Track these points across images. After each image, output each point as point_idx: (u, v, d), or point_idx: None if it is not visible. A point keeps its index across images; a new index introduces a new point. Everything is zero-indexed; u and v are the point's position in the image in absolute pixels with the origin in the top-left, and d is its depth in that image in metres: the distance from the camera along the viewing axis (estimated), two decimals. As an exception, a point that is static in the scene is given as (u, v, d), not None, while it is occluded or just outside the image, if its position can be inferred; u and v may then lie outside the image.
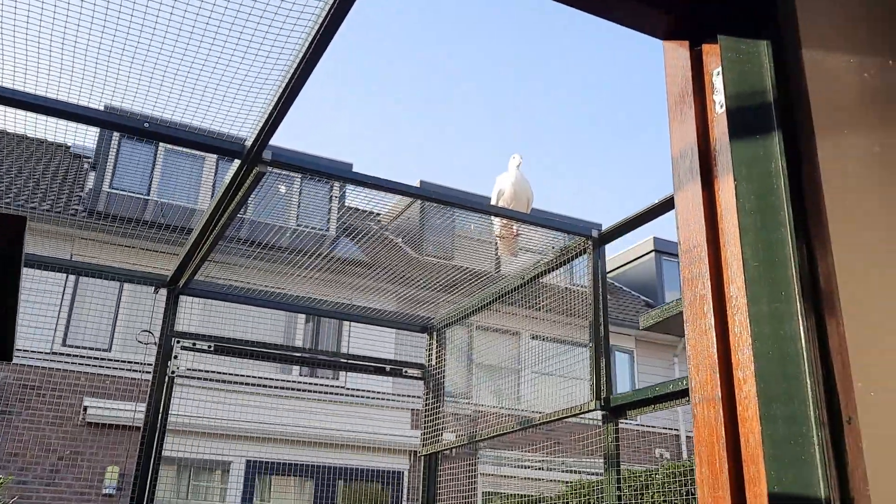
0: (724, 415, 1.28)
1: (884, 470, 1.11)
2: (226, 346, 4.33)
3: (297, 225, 11.97)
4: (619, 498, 2.96)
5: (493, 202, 4.39)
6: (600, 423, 3.23)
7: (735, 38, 1.37)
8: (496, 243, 4.28)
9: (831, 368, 1.17)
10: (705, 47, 1.48)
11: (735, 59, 1.37)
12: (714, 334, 1.32)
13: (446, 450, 4.53)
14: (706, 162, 1.43)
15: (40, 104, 2.83)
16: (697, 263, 1.39)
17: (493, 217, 3.92)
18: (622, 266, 17.18)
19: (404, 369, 4.79)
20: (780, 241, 1.23)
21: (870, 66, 1.26)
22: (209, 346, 4.22)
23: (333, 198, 11.96)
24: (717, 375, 1.30)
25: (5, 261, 1.10)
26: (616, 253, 17.42)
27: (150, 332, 4.12)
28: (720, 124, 1.41)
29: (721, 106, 1.41)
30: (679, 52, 1.53)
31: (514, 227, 4.21)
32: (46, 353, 9.67)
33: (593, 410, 3.16)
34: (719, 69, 1.41)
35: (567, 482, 9.38)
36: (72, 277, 9.62)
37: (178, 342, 4.10)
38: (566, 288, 4.07)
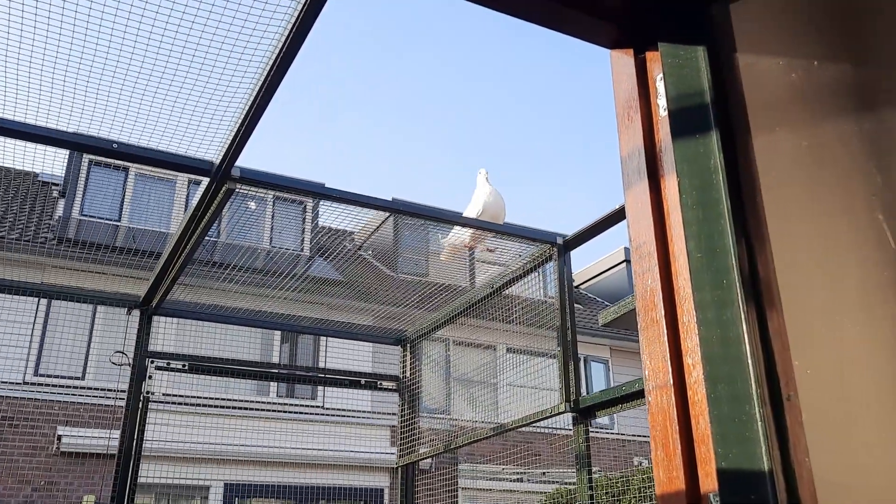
0: (675, 399, 1.35)
1: (823, 442, 1.18)
2: (200, 365, 4.33)
3: (271, 246, 11.97)
4: (592, 497, 3.02)
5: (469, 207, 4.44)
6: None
7: (674, 45, 1.46)
8: (448, 249, 4.33)
9: (771, 350, 1.24)
10: (648, 54, 1.57)
11: (675, 65, 1.45)
12: (664, 324, 1.39)
13: (423, 459, 4.56)
14: (653, 162, 1.51)
15: (8, 127, 2.85)
16: (647, 258, 1.46)
17: (461, 228, 3.98)
18: (595, 277, 17.34)
19: (379, 382, 4.82)
20: (721, 232, 1.30)
21: (797, 67, 1.34)
22: (184, 366, 4.23)
23: (306, 218, 11.97)
24: (668, 363, 1.37)
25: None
26: (588, 264, 17.60)
27: (123, 352, 4.12)
28: (664, 126, 1.49)
29: (664, 109, 1.49)
30: (624, 59, 1.61)
31: (486, 242, 4.25)
32: (18, 384, 9.54)
33: (563, 413, 3.23)
34: (661, 74, 1.49)
35: (546, 493, 9.42)
36: (43, 307, 9.53)
37: (153, 362, 4.10)
38: (541, 301, 4.14)
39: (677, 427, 1.32)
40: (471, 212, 4.04)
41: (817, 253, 1.27)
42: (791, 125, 1.34)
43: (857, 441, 1.19)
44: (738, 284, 1.27)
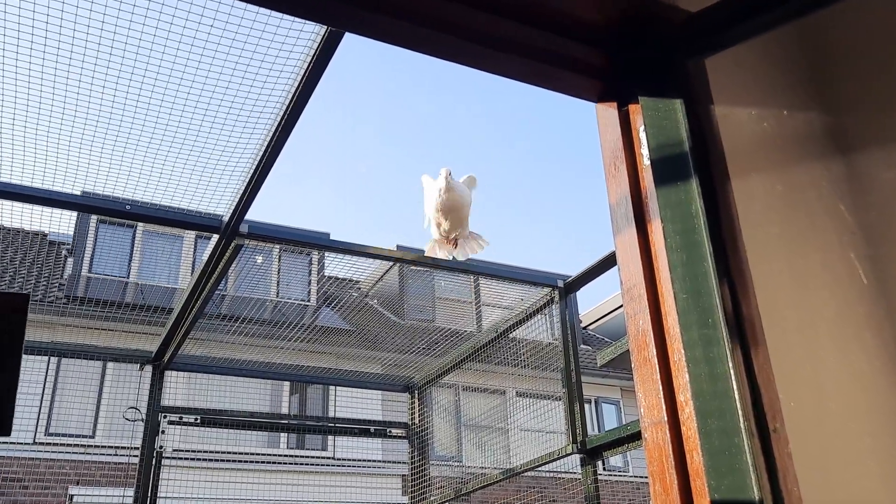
0: (670, 435, 1.41)
1: (811, 471, 1.24)
2: (212, 418, 4.38)
3: (279, 297, 12.04)
4: (603, 538, 3.03)
5: (425, 209, 3.86)
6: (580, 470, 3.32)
7: (653, 99, 1.55)
8: (433, 247, 3.89)
9: (757, 384, 1.30)
10: (631, 107, 1.66)
11: (655, 117, 1.54)
12: (657, 362, 1.46)
13: (435, 507, 4.56)
14: (640, 209, 1.59)
15: (20, 192, 2.95)
16: (638, 300, 1.53)
17: (433, 225, 3.68)
18: (604, 317, 17.33)
19: (389, 430, 4.86)
20: (704, 274, 1.38)
21: (769, 117, 1.43)
22: (196, 419, 4.28)
23: (312, 268, 12.07)
24: (662, 400, 1.43)
25: (8, 336, 1.20)
26: (596, 304, 17.60)
27: (136, 408, 4.18)
28: (648, 174, 1.57)
29: (647, 158, 1.58)
30: (609, 112, 1.71)
31: (452, 236, 3.77)
32: (29, 444, 9.54)
33: (570, 454, 3.26)
34: (643, 126, 1.58)
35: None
36: (53, 366, 9.58)
37: (165, 417, 4.16)
38: (549, 342, 4.18)
39: (673, 462, 1.38)
40: (426, 201, 3.58)
41: (796, 290, 1.34)
42: (765, 171, 1.42)
43: (844, 469, 1.25)
44: (722, 323, 1.33)
